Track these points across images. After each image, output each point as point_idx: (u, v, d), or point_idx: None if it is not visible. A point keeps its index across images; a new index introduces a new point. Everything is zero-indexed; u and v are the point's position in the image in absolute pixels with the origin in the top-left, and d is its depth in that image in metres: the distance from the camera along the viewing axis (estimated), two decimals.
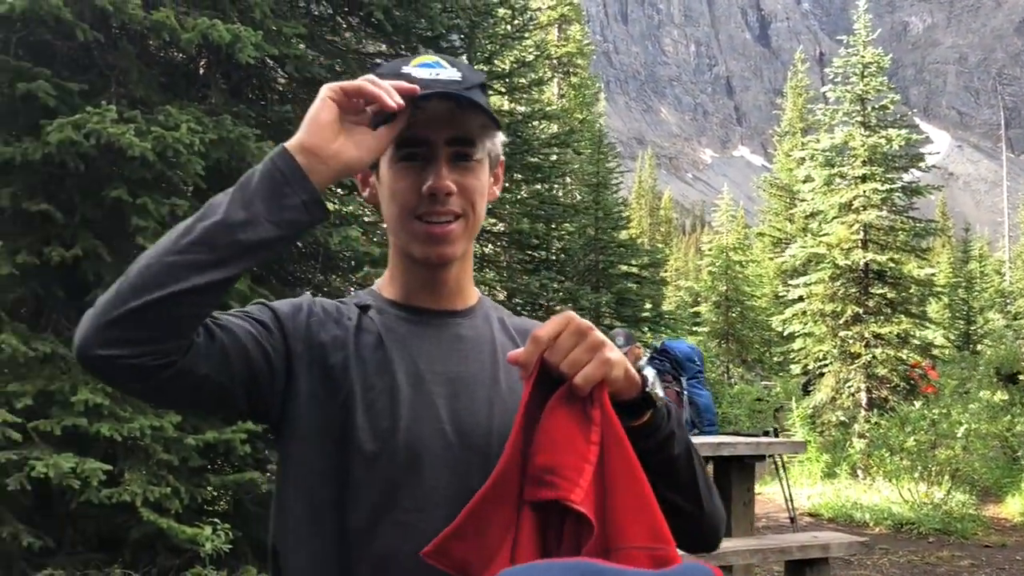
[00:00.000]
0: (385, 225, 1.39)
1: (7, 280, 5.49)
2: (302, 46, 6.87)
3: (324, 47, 7.36)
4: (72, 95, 5.51)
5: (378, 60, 7.84)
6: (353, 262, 7.18)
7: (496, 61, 10.20)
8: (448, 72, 1.26)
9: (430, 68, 1.26)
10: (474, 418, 1.28)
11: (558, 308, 13.59)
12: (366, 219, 7.98)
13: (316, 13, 7.55)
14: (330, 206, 7.24)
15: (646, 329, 15.52)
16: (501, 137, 1.34)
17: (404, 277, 1.36)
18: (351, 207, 7.32)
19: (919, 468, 10.88)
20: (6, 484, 5.03)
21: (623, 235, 16.78)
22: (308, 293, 1.39)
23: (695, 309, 29.52)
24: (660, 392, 1.19)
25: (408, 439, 1.23)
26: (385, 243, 7.14)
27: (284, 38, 6.37)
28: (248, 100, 7.04)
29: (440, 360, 1.31)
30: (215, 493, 6.24)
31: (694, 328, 26.41)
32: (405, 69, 1.26)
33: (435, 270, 1.33)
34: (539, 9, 20.56)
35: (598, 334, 1.12)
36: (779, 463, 7.98)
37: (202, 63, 6.75)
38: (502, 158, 1.38)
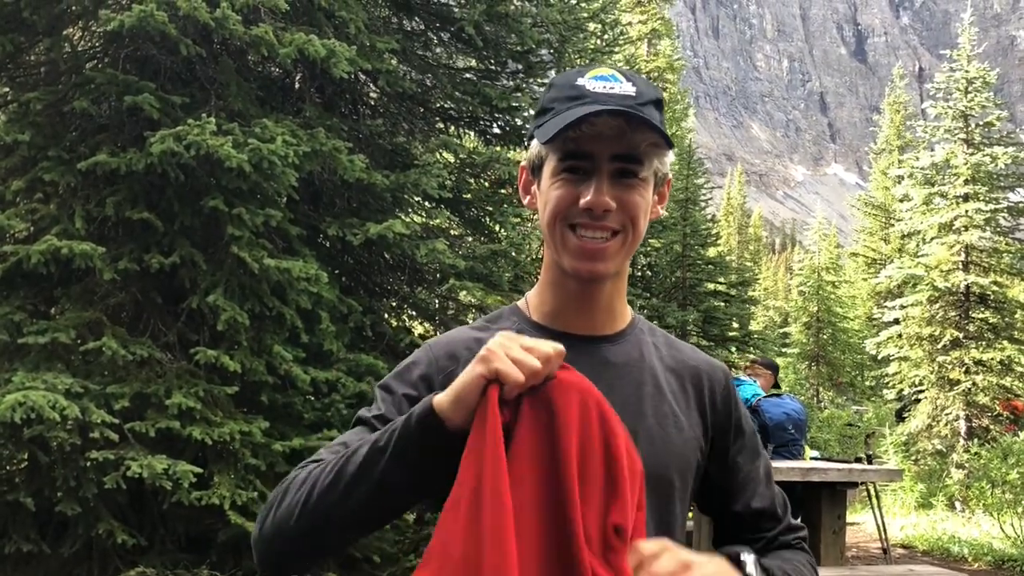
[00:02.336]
0: (540, 234, 1.36)
1: (109, 285, 5.71)
2: (394, 61, 6.98)
3: (415, 62, 7.46)
4: (174, 108, 5.71)
5: (468, 75, 7.90)
6: (439, 275, 7.23)
7: None
8: (622, 86, 1.23)
9: (604, 81, 1.24)
10: None
11: None
12: (452, 232, 8.03)
13: (408, 28, 7.65)
14: (417, 219, 7.33)
15: (733, 349, 15.20)
16: (671, 156, 1.30)
17: (555, 294, 1.33)
18: (438, 220, 7.38)
19: (1023, 502, 10.34)
20: (103, 482, 5.21)
21: (711, 252, 16.48)
22: (427, 345, 1.35)
23: (784, 329, 28.83)
24: None
25: None
26: (471, 256, 7.20)
27: (377, 53, 6.48)
28: (341, 114, 7.18)
29: None
30: None
31: (783, 349, 25.77)
32: (580, 81, 1.24)
33: (586, 285, 1.29)
34: (629, 24, 20.45)
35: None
36: (872, 491, 7.70)
37: (297, 77, 6.92)
38: (669, 176, 1.34)
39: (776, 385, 7.15)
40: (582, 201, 1.22)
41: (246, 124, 5.80)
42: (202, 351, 5.56)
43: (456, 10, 7.38)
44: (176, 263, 5.69)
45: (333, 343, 6.12)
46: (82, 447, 5.28)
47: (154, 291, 5.93)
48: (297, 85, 6.96)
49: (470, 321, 1.44)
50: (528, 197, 1.35)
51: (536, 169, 1.31)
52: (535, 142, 1.29)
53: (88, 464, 5.26)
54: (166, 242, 5.80)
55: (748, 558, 1.20)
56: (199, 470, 5.34)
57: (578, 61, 9.23)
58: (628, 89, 1.22)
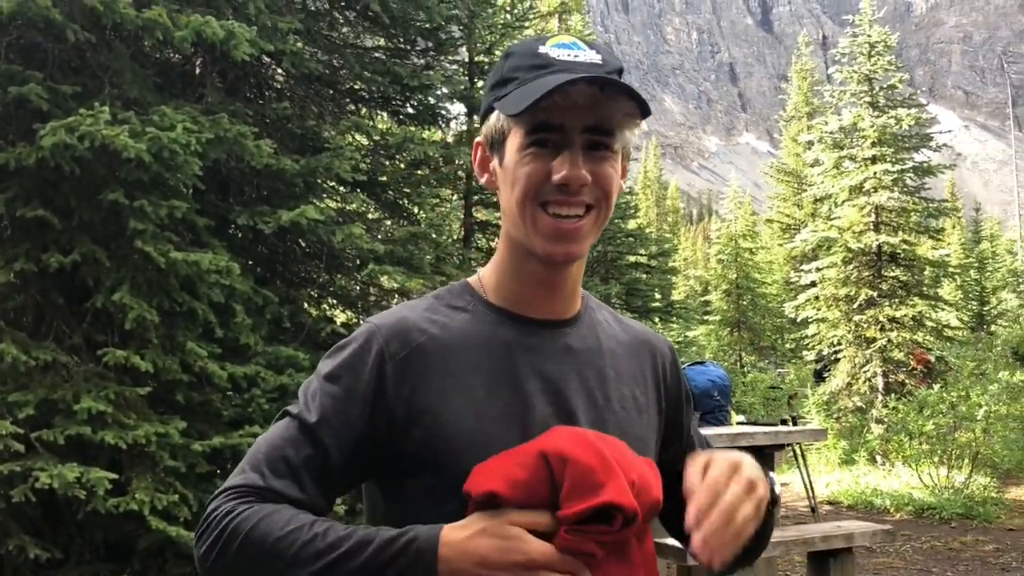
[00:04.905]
0: (500, 216, 1.25)
1: (6, 288, 5.39)
2: (299, 43, 6.75)
3: (321, 43, 7.23)
4: (65, 98, 5.40)
5: (377, 55, 7.70)
6: (358, 260, 7.06)
7: (496, 52, 10.04)
8: (587, 54, 1.16)
9: (568, 49, 1.16)
10: None
11: None
12: (370, 216, 7.85)
13: (312, 8, 7.41)
14: (332, 204, 7.14)
15: (656, 319, 15.37)
16: (642, 127, 1.22)
17: (517, 279, 1.23)
18: (354, 204, 7.20)
19: (939, 452, 10.73)
20: (10, 496, 4.93)
21: (631, 225, 16.62)
22: (374, 326, 1.21)
23: (705, 298, 29.33)
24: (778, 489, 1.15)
25: None
26: (390, 240, 7.05)
27: (280, 34, 6.25)
28: (245, 99, 6.92)
29: (556, 378, 1.20)
30: None
31: (705, 317, 26.23)
32: (542, 49, 1.16)
33: (554, 269, 1.20)
34: None
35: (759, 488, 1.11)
36: (797, 452, 7.86)
37: (198, 62, 6.64)
38: (631, 151, 1.26)
39: None
40: (556, 176, 1.13)
41: (143, 112, 5.52)
42: (111, 352, 5.30)
43: None
44: (77, 261, 5.39)
45: (250, 336, 5.91)
46: None
47: (55, 292, 5.62)
48: (198, 70, 6.68)
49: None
50: (486, 175, 1.25)
51: (496, 144, 1.21)
52: (496, 115, 1.19)
53: None
54: (65, 240, 5.49)
55: (772, 476, 1.19)
56: (115, 476, 5.10)
57: (488, 37, 9.12)
58: (594, 57, 1.15)
